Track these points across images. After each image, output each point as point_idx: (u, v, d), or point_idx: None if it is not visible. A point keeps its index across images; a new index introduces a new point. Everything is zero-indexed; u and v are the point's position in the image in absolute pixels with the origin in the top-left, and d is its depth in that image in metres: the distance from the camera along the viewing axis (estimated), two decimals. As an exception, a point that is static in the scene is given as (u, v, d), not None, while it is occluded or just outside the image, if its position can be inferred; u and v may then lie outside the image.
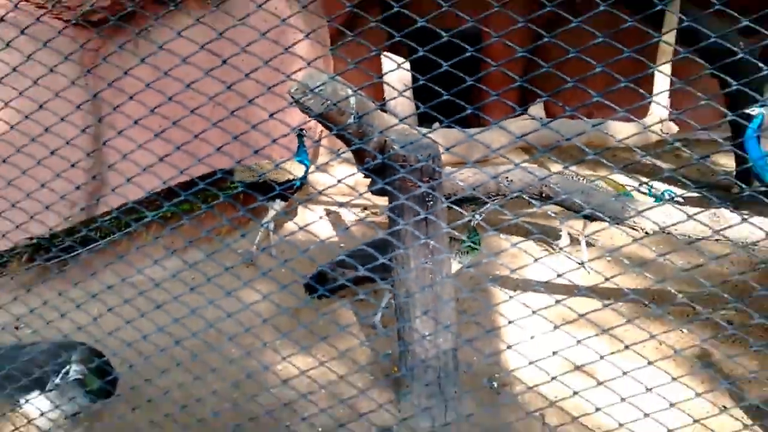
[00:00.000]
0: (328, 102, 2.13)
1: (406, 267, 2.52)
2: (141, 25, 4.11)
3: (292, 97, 2.15)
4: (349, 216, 4.93)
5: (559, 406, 2.23)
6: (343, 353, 2.43)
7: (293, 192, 4.32)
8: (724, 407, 2.64)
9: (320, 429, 2.67)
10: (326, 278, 3.38)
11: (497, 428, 2.60)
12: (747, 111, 3.84)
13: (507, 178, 2.71)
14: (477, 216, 3.15)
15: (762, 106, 3.80)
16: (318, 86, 2.10)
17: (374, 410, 2.42)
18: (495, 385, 2.96)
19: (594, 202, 2.39)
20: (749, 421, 2.51)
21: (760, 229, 2.41)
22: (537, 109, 4.71)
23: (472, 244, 3.09)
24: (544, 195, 2.55)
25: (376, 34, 6.28)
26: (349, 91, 2.23)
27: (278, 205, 4.36)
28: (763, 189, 5.17)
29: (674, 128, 4.41)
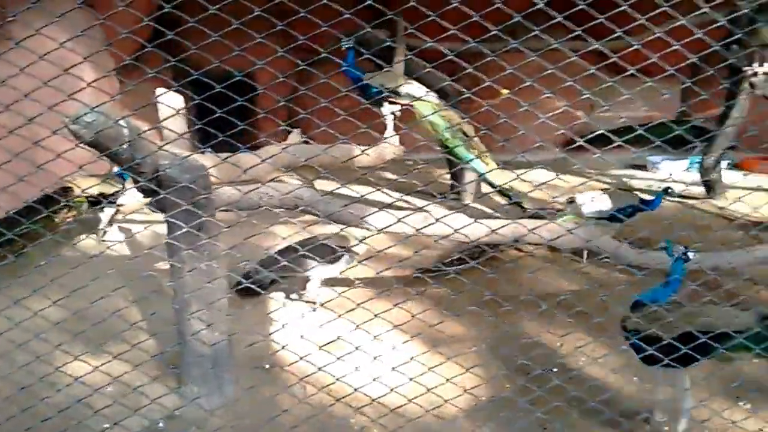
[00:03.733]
0: (100, 130, 2.45)
1: (181, 272, 2.93)
2: None
3: (67, 127, 2.43)
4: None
5: (318, 379, 2.85)
6: (133, 347, 2.75)
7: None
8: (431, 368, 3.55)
9: (106, 426, 2.93)
10: (256, 274, 4.04)
11: (267, 403, 3.13)
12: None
13: (267, 193, 3.28)
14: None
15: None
16: (84, 116, 2.39)
17: (156, 399, 2.82)
18: (268, 366, 3.51)
19: (331, 209, 3.07)
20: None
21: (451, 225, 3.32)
22: (296, 135, 5.44)
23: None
24: (297, 207, 3.17)
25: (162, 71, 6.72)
26: (122, 121, 2.57)
27: (106, 215, 5.56)
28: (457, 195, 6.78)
29: (401, 148, 5.46)
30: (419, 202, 5.83)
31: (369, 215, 3.03)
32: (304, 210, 3.04)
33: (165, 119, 6.92)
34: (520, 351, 3.52)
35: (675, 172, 8.28)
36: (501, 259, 5.30)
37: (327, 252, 4.13)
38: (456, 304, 3.91)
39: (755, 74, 5.85)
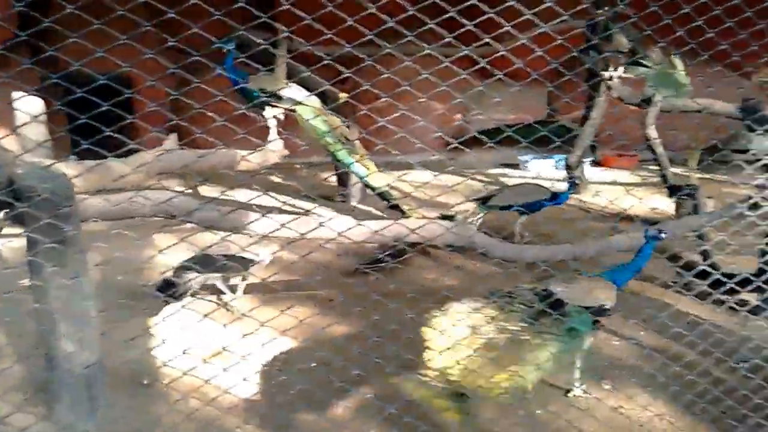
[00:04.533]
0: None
1: (45, 291, 2.69)
2: None
3: None
4: None
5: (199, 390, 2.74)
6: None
7: None
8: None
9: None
10: (171, 284, 3.83)
11: (148, 422, 2.96)
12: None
13: (139, 202, 3.10)
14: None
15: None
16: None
17: (24, 430, 2.57)
18: (146, 382, 3.32)
19: (209, 217, 2.96)
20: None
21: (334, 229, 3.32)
22: (171, 141, 5.19)
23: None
24: (173, 216, 3.03)
25: (28, 73, 6.23)
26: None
27: None
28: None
29: (285, 152, 5.40)
30: (306, 206, 5.81)
31: (251, 222, 2.96)
32: (183, 219, 2.91)
33: (21, 125, 6.30)
34: (404, 348, 3.58)
35: (543, 170, 8.86)
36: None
37: (238, 260, 4.06)
38: (345, 307, 3.93)
39: (611, 78, 6.38)
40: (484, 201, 5.60)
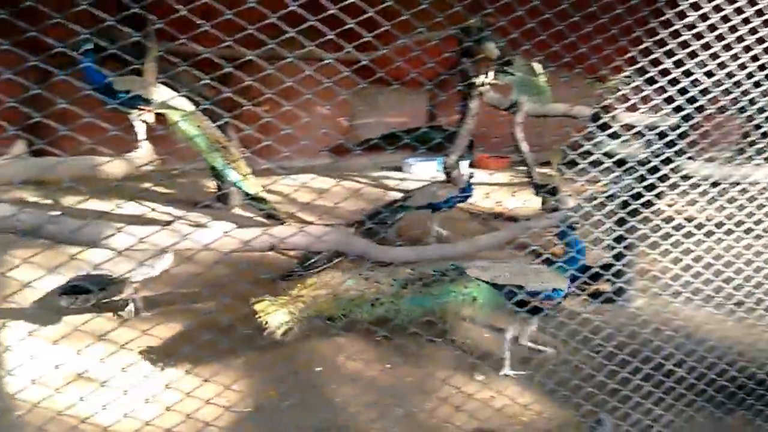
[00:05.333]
0: None
1: None
2: None
3: None
4: None
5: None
6: None
7: None
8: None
9: None
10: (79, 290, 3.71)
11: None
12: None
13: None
14: None
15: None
16: None
17: None
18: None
19: (61, 231, 2.71)
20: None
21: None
22: (20, 147, 4.74)
23: None
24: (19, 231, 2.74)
25: None
26: None
27: None
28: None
29: (154, 157, 5.11)
30: (180, 214, 5.54)
31: (109, 236, 2.74)
32: (30, 235, 2.65)
33: None
34: (281, 356, 3.53)
35: (427, 172, 9.09)
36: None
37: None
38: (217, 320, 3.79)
39: (482, 84, 6.65)
40: (402, 203, 5.70)
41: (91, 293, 3.81)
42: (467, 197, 5.96)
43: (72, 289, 3.80)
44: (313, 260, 4.55)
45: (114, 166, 4.64)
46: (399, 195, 6.06)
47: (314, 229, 3.11)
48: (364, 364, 3.61)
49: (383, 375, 3.52)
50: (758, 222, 3.19)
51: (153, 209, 4.75)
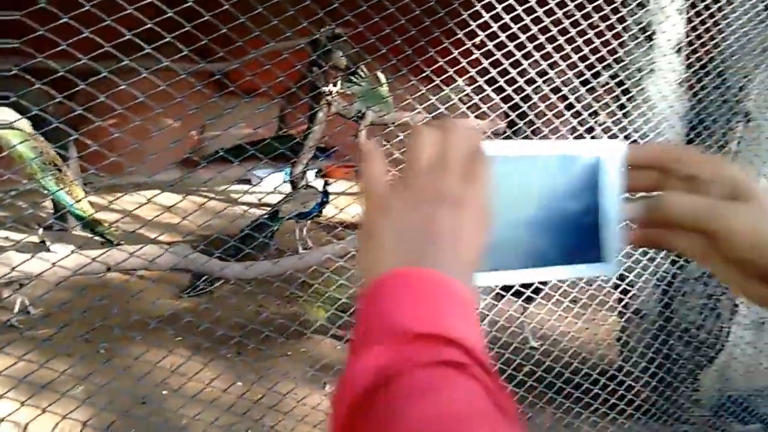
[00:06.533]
0: None
1: None
2: None
3: None
4: None
5: None
6: None
7: None
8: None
9: None
10: None
11: None
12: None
13: None
14: None
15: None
16: None
17: None
18: None
19: None
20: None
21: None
22: None
23: None
24: None
25: None
26: None
27: None
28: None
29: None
30: (15, 237, 4.94)
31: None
32: None
33: None
34: (128, 378, 3.31)
35: (275, 183, 9.03)
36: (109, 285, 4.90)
37: None
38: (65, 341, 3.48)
39: (330, 93, 6.79)
40: (274, 214, 5.59)
41: None
42: (326, 203, 6.05)
43: None
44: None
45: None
46: (245, 207, 5.98)
47: (149, 251, 2.92)
48: (209, 382, 3.44)
49: (228, 393, 3.38)
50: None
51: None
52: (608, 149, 0.60)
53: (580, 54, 2.98)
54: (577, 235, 0.60)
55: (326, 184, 6.26)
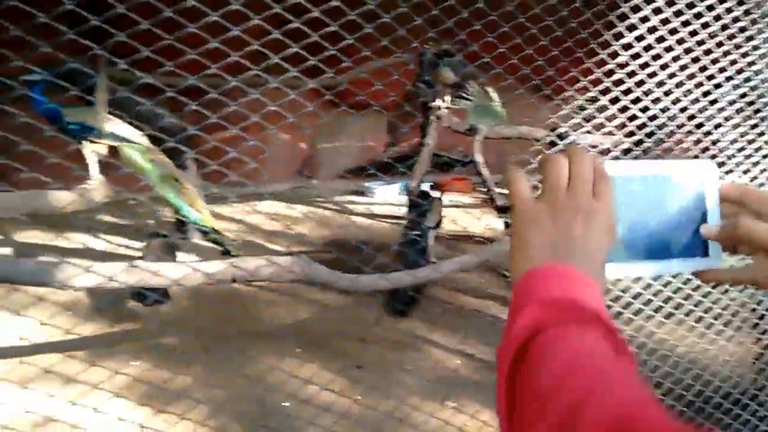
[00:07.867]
0: None
1: None
2: None
3: None
4: None
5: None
6: None
7: None
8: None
9: None
10: None
11: None
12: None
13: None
14: None
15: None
16: None
17: None
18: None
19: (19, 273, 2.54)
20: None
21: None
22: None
23: None
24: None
25: None
26: None
27: None
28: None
29: (109, 189, 4.92)
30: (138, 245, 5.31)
31: (74, 276, 2.57)
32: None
33: None
34: (257, 389, 3.38)
35: (389, 196, 9.09)
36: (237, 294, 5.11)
37: None
38: (190, 351, 3.62)
39: (439, 108, 6.74)
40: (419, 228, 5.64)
41: None
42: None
43: None
44: None
45: (66, 200, 4.43)
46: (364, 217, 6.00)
47: (281, 260, 2.96)
48: (334, 395, 3.46)
49: (355, 406, 3.38)
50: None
51: (117, 244, 4.52)
52: (704, 167, 0.75)
53: (707, 72, 2.76)
54: (684, 236, 0.75)
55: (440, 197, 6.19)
